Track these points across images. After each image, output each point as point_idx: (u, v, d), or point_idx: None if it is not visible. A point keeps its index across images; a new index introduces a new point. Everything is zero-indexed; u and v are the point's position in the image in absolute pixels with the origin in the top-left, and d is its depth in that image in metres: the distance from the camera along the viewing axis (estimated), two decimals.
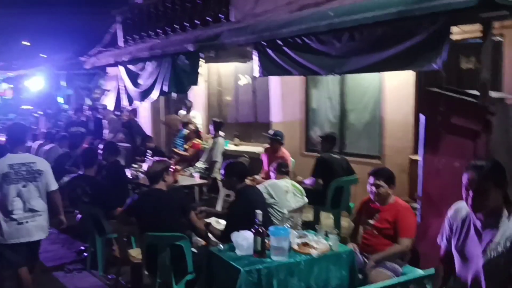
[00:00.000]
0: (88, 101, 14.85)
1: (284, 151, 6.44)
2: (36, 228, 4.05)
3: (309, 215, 5.96)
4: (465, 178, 2.21)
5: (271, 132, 6.65)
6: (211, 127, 7.65)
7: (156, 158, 4.59)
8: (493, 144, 3.69)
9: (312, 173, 5.80)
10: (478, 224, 2.25)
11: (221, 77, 9.38)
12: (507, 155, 3.72)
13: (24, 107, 18.95)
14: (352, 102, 7.17)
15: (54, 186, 4.16)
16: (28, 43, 25.74)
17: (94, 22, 15.53)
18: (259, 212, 3.38)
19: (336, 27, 4.56)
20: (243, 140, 8.69)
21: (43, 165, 4.13)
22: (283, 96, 7.90)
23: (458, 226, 2.36)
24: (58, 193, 4.24)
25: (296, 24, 5.06)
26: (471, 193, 2.18)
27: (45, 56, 22.79)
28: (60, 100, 20.55)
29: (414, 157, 5.87)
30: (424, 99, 4.69)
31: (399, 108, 6.35)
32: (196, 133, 8.02)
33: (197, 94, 9.45)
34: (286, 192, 4.71)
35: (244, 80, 8.67)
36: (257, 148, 7.71)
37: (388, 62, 4.18)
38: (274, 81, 7.89)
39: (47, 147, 8.02)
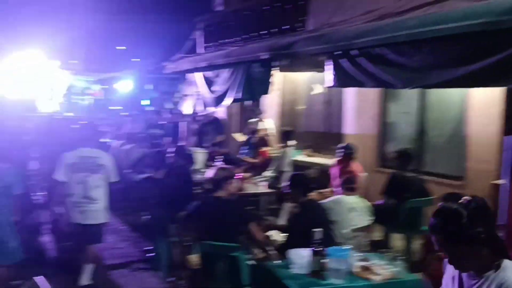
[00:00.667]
0: (168, 105, 15.45)
1: (355, 166, 6.17)
2: (92, 213, 4.52)
3: (378, 235, 5.64)
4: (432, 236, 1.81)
5: (342, 144, 6.42)
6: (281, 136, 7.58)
7: (221, 165, 4.59)
8: None
9: (383, 191, 5.49)
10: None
11: (296, 86, 9.28)
12: None
13: (113, 108, 20.14)
14: (433, 118, 6.72)
15: (114, 179, 4.72)
16: (123, 47, 27.57)
17: (179, 28, 16.19)
18: (318, 230, 3.23)
19: (416, 37, 4.25)
20: (315, 151, 8.50)
21: (107, 160, 4.73)
22: (357, 107, 7.62)
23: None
24: (115, 185, 4.80)
25: (373, 34, 4.81)
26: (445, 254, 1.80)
27: (139, 59, 24.26)
28: (146, 102, 21.67)
29: (498, 182, 5.34)
30: None
31: (485, 128, 5.82)
32: (264, 141, 7.97)
33: (271, 102, 9.43)
34: (350, 210, 4.47)
35: (318, 90, 8.50)
36: (329, 160, 7.48)
37: (473, 77, 3.81)
38: (349, 92, 7.63)
39: (127, 147, 8.42)
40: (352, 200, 4.60)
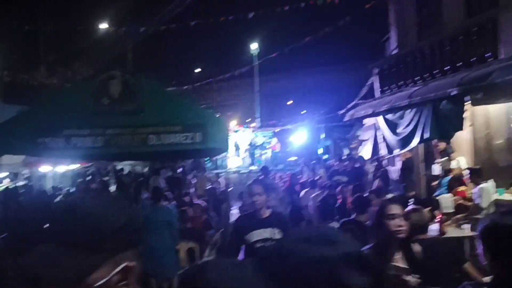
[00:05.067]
0: (346, 151, 15.66)
1: None
2: None
3: None
4: None
5: None
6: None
7: (413, 206, 4.33)
8: None
9: None
10: None
11: (490, 119, 8.52)
12: None
13: (290, 159, 21.23)
14: None
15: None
16: (291, 101, 29.32)
17: (350, 77, 16.60)
18: None
19: None
20: None
21: None
22: None
23: None
24: None
25: None
26: None
27: (305, 111, 25.47)
28: (320, 151, 22.36)
29: None
30: None
31: None
32: (459, 180, 7.42)
33: (461, 139, 8.82)
34: None
35: None
36: None
37: None
38: None
39: (313, 194, 8.74)
40: None
